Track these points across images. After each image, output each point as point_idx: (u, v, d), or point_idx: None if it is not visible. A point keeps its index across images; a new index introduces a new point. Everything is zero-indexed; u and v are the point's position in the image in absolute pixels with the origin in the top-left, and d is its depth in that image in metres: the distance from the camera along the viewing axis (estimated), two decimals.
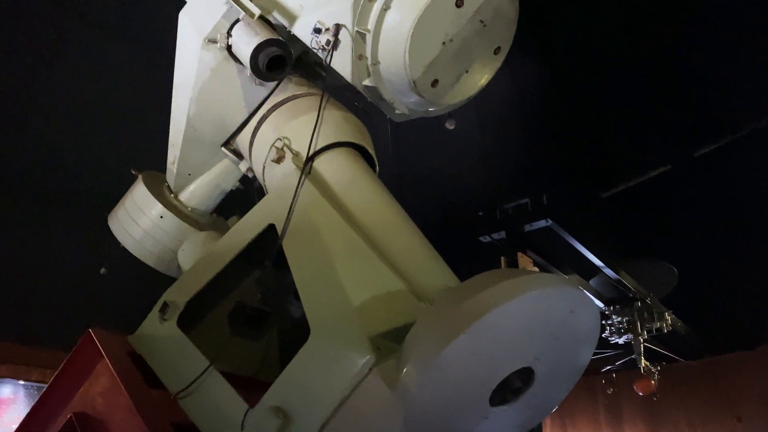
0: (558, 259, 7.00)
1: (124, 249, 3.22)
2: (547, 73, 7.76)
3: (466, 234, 6.79)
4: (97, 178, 6.58)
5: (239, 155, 3.14)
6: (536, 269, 5.53)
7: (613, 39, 7.49)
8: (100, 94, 7.46)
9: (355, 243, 2.16)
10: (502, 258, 6.01)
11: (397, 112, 2.87)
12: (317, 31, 2.59)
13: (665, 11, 7.16)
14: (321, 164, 2.49)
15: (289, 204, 2.28)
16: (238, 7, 2.60)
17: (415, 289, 2.07)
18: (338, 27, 2.54)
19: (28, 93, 7.08)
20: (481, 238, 6.66)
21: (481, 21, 2.52)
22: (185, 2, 3.07)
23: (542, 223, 6.30)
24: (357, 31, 2.52)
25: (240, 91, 2.92)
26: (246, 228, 2.50)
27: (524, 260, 5.80)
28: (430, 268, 2.25)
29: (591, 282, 7.96)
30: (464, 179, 7.65)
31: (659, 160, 8.55)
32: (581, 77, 7.94)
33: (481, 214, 6.77)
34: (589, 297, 1.97)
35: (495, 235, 6.50)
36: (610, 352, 9.21)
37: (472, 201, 7.33)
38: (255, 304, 2.85)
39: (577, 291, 1.86)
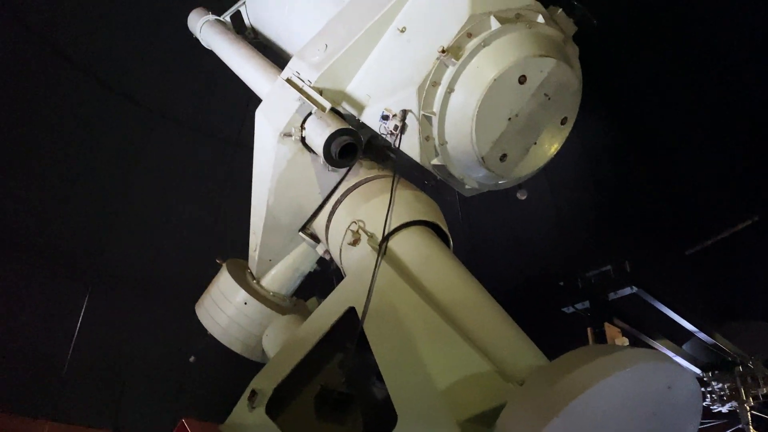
0: (648, 326, 6.63)
1: (212, 337, 3.34)
2: (615, 132, 7.66)
3: (547, 305, 6.58)
4: (184, 268, 6.91)
5: (316, 239, 3.24)
6: (626, 339, 5.24)
7: (685, 89, 7.34)
8: (183, 186, 7.96)
9: (436, 323, 2.14)
10: (589, 329, 5.74)
11: (467, 187, 2.91)
12: (385, 117, 2.70)
13: (734, 55, 6.99)
14: (396, 244, 2.53)
15: (368, 287, 2.31)
16: (310, 103, 2.77)
17: (502, 369, 2.02)
18: (405, 112, 2.64)
19: (119, 188, 7.64)
20: (564, 309, 6.42)
21: (546, 94, 2.56)
22: (260, 99, 3.30)
23: (627, 291, 6.03)
24: (423, 115, 2.61)
25: (315, 178, 3.05)
26: (327, 312, 2.54)
27: (612, 330, 5.52)
28: (515, 346, 2.19)
29: (684, 347, 7.46)
30: (540, 248, 7.51)
31: (745, 211, 8.10)
32: (651, 133, 7.78)
33: (562, 283, 6.55)
34: (687, 369, 1.86)
35: (578, 305, 6.25)
36: (714, 422, 8.47)
37: (551, 270, 7.14)
38: (340, 388, 2.85)
39: (674, 365, 1.76)
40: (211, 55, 4.64)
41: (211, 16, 4.65)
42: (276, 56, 4.08)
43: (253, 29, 4.80)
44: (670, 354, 6.57)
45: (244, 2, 4.75)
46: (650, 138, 7.75)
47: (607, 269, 6.27)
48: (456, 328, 2.13)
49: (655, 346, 6.54)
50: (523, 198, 3.12)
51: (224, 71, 4.27)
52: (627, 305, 6.22)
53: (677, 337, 7.28)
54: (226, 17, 4.71)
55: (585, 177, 7.38)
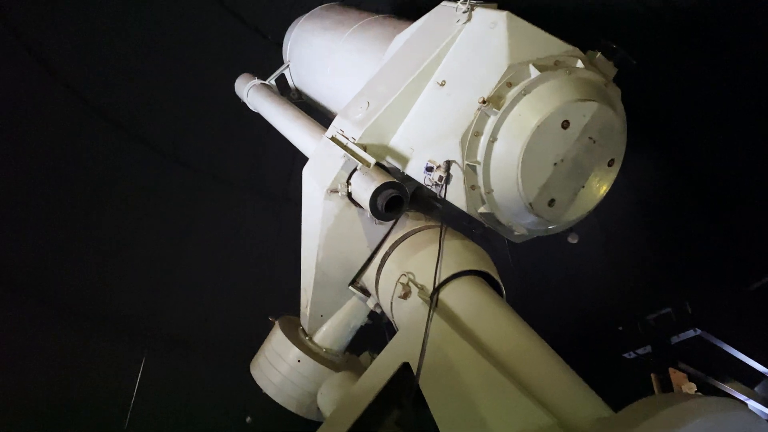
0: (715, 369, 6.30)
1: (267, 396, 3.34)
2: (665, 168, 7.49)
3: (607, 351, 6.35)
4: (238, 326, 7.00)
5: (366, 292, 3.25)
6: (693, 385, 4.97)
7: (739, 119, 7.15)
8: (234, 245, 8.14)
9: (493, 376, 2.09)
10: (653, 375, 5.48)
11: (516, 233, 2.88)
12: (429, 169, 2.72)
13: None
14: (447, 296, 2.50)
15: (421, 341, 2.29)
16: (355, 159, 2.83)
17: (564, 422, 1.94)
18: (449, 163, 2.66)
19: (173, 250, 7.87)
20: (626, 355, 6.18)
21: (590, 138, 2.55)
22: (306, 157, 3.39)
23: (690, 333, 5.78)
24: (467, 165, 2.61)
25: (362, 232, 3.08)
26: (381, 369, 2.51)
27: (677, 376, 5.25)
28: (577, 397, 2.11)
29: (757, 389, 7.04)
30: (595, 292, 7.30)
31: None
32: (703, 167, 7.57)
33: (620, 328, 6.32)
34: (762, 419, 1.75)
35: (640, 351, 6.01)
36: None
37: (608, 315, 6.92)
38: None
39: (748, 413, 1.66)
40: (257, 117, 4.83)
41: (257, 81, 4.84)
42: (320, 115, 4.20)
43: (297, 90, 4.98)
44: (743, 398, 6.22)
45: (287, 66, 4.96)
46: (702, 172, 7.54)
47: (667, 311, 6.04)
48: (514, 381, 2.07)
49: (726, 391, 6.20)
50: (574, 242, 3.07)
51: (270, 132, 4.42)
52: (691, 348, 5.94)
53: (748, 378, 6.89)
54: (271, 81, 4.90)
55: (636, 216, 7.21)
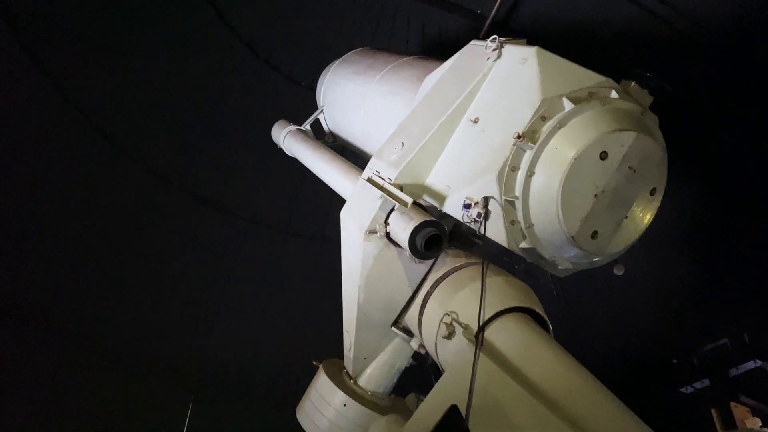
0: None
1: None
2: (713, 193, 7.29)
3: (662, 386, 6.09)
4: (283, 368, 7.01)
5: (409, 333, 3.22)
6: (757, 420, 4.72)
7: None
8: (275, 288, 8.21)
9: (544, 416, 2.02)
10: (714, 411, 5.22)
11: (560, 267, 2.82)
12: (467, 206, 2.71)
13: None
14: (493, 335, 2.45)
15: (468, 382, 2.24)
16: (392, 199, 2.85)
17: None
18: (486, 199, 2.63)
19: (216, 293, 7.98)
20: (682, 390, 5.91)
21: (630, 167, 2.50)
22: (343, 198, 3.43)
23: (750, 365, 5.51)
24: (506, 200, 2.59)
25: (402, 271, 3.07)
26: (428, 412, 2.45)
27: (740, 411, 4.99)
28: None
29: None
30: (645, 324, 7.06)
31: None
32: (750, 189, 7.33)
33: (675, 361, 6.07)
34: None
35: (697, 385, 5.74)
36: None
37: (660, 347, 6.66)
38: None
39: None
40: (294, 161, 4.92)
41: (293, 127, 4.96)
42: (355, 157, 4.26)
43: (331, 134, 5.08)
44: None
45: (321, 110, 5.06)
46: (754, 195, 7.30)
47: (724, 342, 5.77)
48: (567, 420, 2.01)
49: None
50: (620, 273, 2.99)
51: (307, 175, 4.49)
52: (752, 380, 5.65)
53: None
54: (306, 126, 5.01)
55: (684, 244, 6.99)
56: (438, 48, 7.37)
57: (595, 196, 2.49)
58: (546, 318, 2.66)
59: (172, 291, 7.69)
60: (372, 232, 2.94)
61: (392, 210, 2.90)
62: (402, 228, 2.77)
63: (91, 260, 7.20)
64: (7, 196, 6.61)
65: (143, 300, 7.54)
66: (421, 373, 3.35)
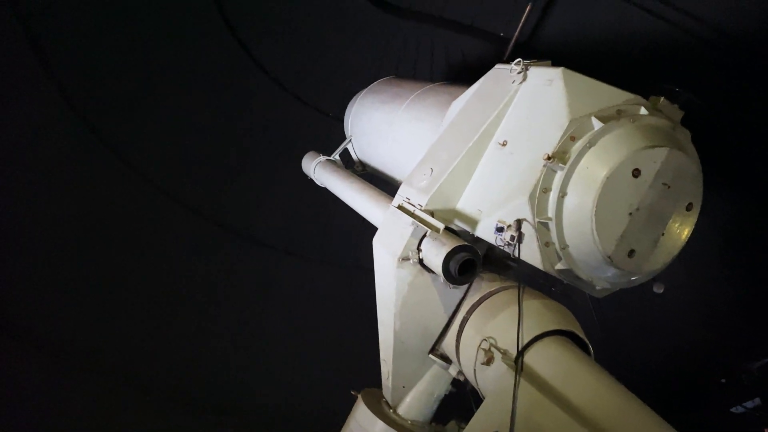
0: None
1: None
2: (752, 205, 7.10)
3: (711, 407, 5.87)
4: (322, 399, 6.97)
5: (447, 359, 3.19)
6: None
7: None
8: (311, 317, 8.24)
9: None
10: (767, 431, 5.01)
11: (598, 288, 2.77)
12: (500, 229, 2.69)
13: None
14: (533, 359, 2.42)
15: (509, 409, 2.21)
16: (423, 225, 2.86)
17: None
18: (519, 222, 2.61)
19: (253, 326, 8.05)
20: (733, 410, 5.69)
21: (664, 183, 2.47)
22: (374, 225, 3.44)
23: None
24: (539, 222, 2.57)
25: (437, 298, 3.06)
26: None
27: None
28: None
29: None
30: (689, 342, 6.86)
31: None
32: None
33: (723, 380, 5.85)
34: None
35: (748, 404, 5.52)
36: None
37: (707, 366, 6.44)
38: None
39: None
40: (324, 191, 4.98)
41: (322, 157, 5.02)
42: (385, 184, 4.29)
43: (360, 162, 5.13)
44: None
45: (350, 140, 5.12)
46: None
47: None
48: None
49: None
50: (660, 291, 2.93)
51: (337, 204, 4.54)
52: None
53: None
54: (336, 156, 5.07)
55: (725, 258, 6.80)
56: (463, 72, 7.41)
57: (630, 214, 2.46)
58: (586, 340, 2.61)
59: (210, 324, 7.78)
60: (405, 259, 2.95)
61: (424, 236, 2.90)
62: (435, 254, 2.77)
63: (130, 298, 7.35)
64: (59, 240, 6.85)
65: (182, 335, 7.65)
66: (461, 401, 3.30)
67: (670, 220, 2.57)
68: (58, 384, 6.69)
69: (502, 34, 7.02)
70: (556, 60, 2.94)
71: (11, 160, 6.58)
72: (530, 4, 6.20)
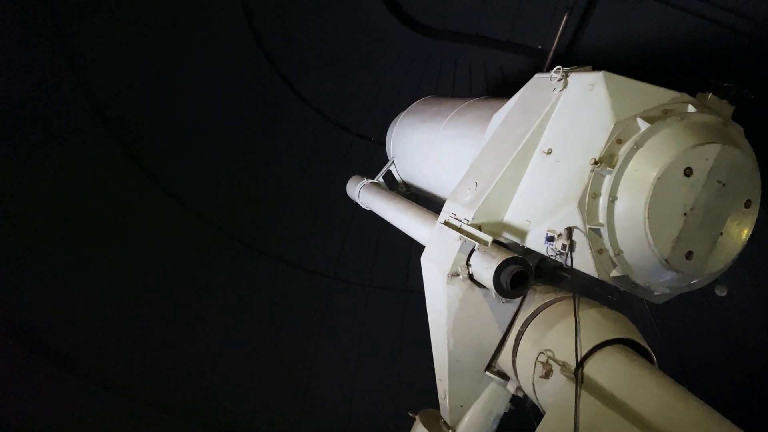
0: None
1: None
2: None
3: None
4: (377, 424, 6.93)
5: (504, 376, 3.12)
6: None
7: None
8: (364, 343, 8.23)
9: None
10: None
11: (656, 294, 2.67)
12: (550, 239, 2.63)
13: None
14: (593, 370, 2.34)
15: (572, 422, 2.14)
16: (471, 240, 2.83)
17: None
18: (570, 230, 2.55)
19: (307, 352, 8.09)
20: None
21: (719, 181, 2.38)
22: (421, 245, 3.42)
23: None
24: (590, 228, 2.50)
25: (490, 313, 3.00)
26: None
27: None
28: None
29: None
30: (758, 347, 6.53)
31: None
32: None
33: None
34: None
35: None
36: None
37: None
38: None
39: None
40: (370, 216, 5.00)
41: (366, 181, 5.06)
42: (430, 203, 4.28)
43: (404, 183, 5.14)
44: None
45: (392, 162, 5.16)
46: None
47: None
48: None
49: None
50: (723, 294, 2.81)
51: (384, 228, 4.55)
52: None
53: None
54: (379, 178, 5.11)
55: None
56: (502, 88, 7.41)
57: (685, 214, 2.37)
58: (648, 348, 2.51)
59: (268, 354, 7.88)
60: (454, 275, 2.92)
61: (473, 251, 2.88)
62: (485, 268, 2.73)
63: (188, 329, 7.51)
64: (114, 274, 7.09)
65: (240, 366, 7.76)
66: (521, 418, 3.22)
67: (729, 219, 2.47)
68: (77, 399, 6.83)
69: (540, 47, 6.99)
70: (597, 66, 2.91)
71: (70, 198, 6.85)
72: (567, 13, 6.16)
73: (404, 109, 5.36)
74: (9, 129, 6.11)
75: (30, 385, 6.54)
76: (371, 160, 6.17)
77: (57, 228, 6.66)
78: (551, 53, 6.43)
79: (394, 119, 5.38)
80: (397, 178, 5.23)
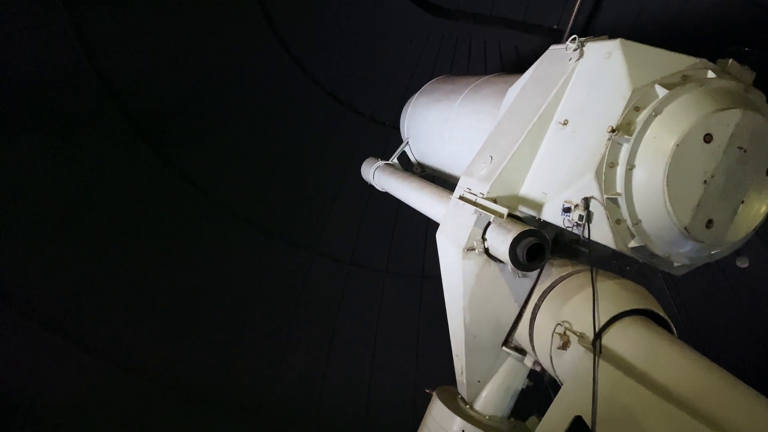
0: None
1: None
2: None
3: None
4: (395, 405, 6.97)
5: (522, 351, 3.10)
6: None
7: None
8: (382, 326, 8.26)
9: (679, 419, 1.86)
10: None
11: (676, 265, 2.62)
12: (567, 210, 2.59)
13: None
14: (611, 340, 2.31)
15: (590, 391, 2.11)
16: (486, 213, 2.80)
17: None
18: (587, 200, 2.51)
19: (327, 336, 8.15)
20: None
21: (740, 148, 2.32)
22: (438, 224, 3.40)
23: None
24: (607, 198, 2.46)
25: (506, 287, 2.98)
26: (551, 426, 2.33)
27: None
28: None
29: None
30: None
31: None
32: None
33: None
34: None
35: None
36: None
37: None
38: None
39: None
40: (386, 201, 4.98)
41: (381, 162, 5.05)
42: (445, 184, 4.26)
43: (419, 164, 5.12)
44: None
45: (407, 143, 5.13)
46: None
47: None
48: (705, 422, 1.84)
49: None
50: (745, 266, 2.76)
51: (400, 213, 4.53)
52: None
53: None
54: (394, 159, 5.09)
55: None
56: (518, 67, 7.33)
57: (705, 182, 2.33)
58: (667, 318, 2.48)
59: (287, 340, 7.94)
60: (470, 249, 2.90)
61: (489, 224, 2.85)
62: (501, 241, 2.71)
63: (206, 315, 7.59)
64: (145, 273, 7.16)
65: (261, 352, 7.83)
66: (540, 395, 3.20)
67: (750, 187, 2.42)
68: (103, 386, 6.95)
69: (555, 27, 6.89)
70: (612, 34, 2.85)
71: (91, 189, 6.93)
72: None
73: (416, 91, 5.32)
74: (26, 117, 6.18)
75: (52, 368, 6.67)
76: (386, 144, 6.14)
77: (76, 213, 6.74)
78: (567, 31, 6.33)
79: (408, 100, 5.35)
80: (412, 159, 5.20)
